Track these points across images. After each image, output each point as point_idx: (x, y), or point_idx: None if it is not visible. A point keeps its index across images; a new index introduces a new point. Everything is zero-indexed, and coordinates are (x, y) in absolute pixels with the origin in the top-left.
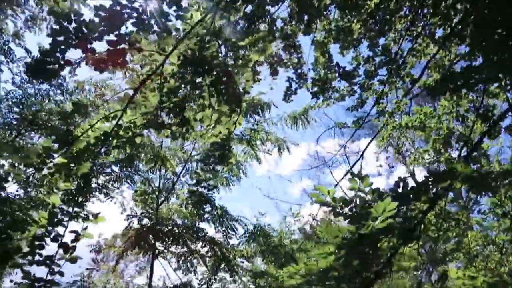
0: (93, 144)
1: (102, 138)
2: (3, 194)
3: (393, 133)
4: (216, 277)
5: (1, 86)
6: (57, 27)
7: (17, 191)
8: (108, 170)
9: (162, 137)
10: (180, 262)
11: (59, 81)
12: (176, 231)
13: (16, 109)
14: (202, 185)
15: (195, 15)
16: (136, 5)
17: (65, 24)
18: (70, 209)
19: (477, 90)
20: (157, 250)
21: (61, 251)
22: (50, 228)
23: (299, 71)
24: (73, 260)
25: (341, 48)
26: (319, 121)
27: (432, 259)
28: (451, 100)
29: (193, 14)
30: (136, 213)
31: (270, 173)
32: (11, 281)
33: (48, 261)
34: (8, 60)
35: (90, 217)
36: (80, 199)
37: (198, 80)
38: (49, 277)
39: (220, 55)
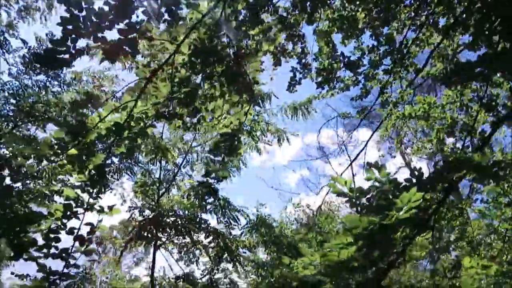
0: (104, 135)
1: (114, 129)
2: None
3: (396, 123)
4: (218, 267)
5: None
6: (68, 15)
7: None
8: (108, 161)
9: (174, 128)
10: (182, 253)
11: (56, 72)
12: (179, 222)
13: (12, 101)
14: (212, 176)
15: (203, 4)
16: None
17: (76, 12)
18: (84, 202)
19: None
20: (159, 241)
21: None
22: (65, 220)
23: (303, 61)
24: (89, 253)
25: (344, 38)
26: (317, 111)
27: (436, 248)
28: (455, 89)
29: (200, 4)
30: (137, 204)
31: (266, 163)
32: (12, 273)
33: (64, 254)
34: (4, 50)
35: (105, 209)
36: (94, 191)
37: (209, 69)
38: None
39: (230, 44)
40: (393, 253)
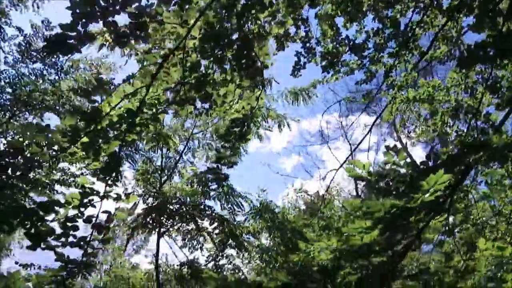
0: (116, 122)
1: (126, 115)
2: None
3: (399, 107)
4: (223, 253)
5: None
6: None
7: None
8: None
9: (185, 113)
10: (186, 240)
11: (53, 60)
12: (184, 208)
13: (9, 90)
14: (222, 162)
15: None
16: None
17: None
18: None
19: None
20: (163, 228)
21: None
22: (82, 209)
23: (307, 45)
24: (107, 241)
25: (345, 21)
26: (317, 96)
27: (444, 231)
28: (460, 72)
29: None
30: (139, 192)
31: (261, 149)
32: (16, 262)
33: (82, 243)
34: None
35: (122, 196)
36: (110, 179)
37: (219, 54)
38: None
39: (239, 28)
40: (410, 236)
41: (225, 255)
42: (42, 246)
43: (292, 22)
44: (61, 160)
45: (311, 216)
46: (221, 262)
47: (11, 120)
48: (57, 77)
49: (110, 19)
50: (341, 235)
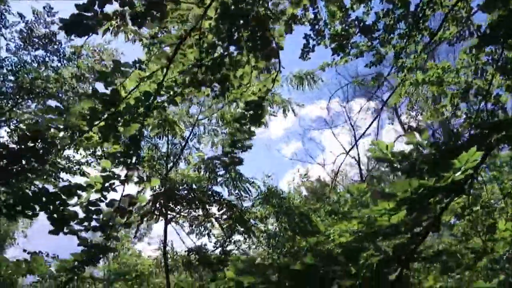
0: (133, 105)
1: (143, 98)
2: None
3: (407, 90)
4: (231, 239)
5: None
6: None
7: None
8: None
9: (202, 95)
10: (194, 226)
11: (55, 46)
12: (192, 194)
13: (11, 77)
14: (237, 145)
15: None
16: None
17: None
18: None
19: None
20: (171, 215)
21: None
22: (105, 193)
23: (316, 27)
24: (129, 225)
25: (353, 3)
26: (323, 81)
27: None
28: (470, 53)
29: None
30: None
31: (261, 134)
32: (24, 250)
33: (105, 227)
34: (1, 25)
35: (144, 179)
36: (130, 162)
37: (235, 35)
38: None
39: (255, 8)
40: (430, 218)
41: (233, 240)
42: (65, 230)
43: (307, 1)
44: (75, 145)
45: (317, 201)
46: (228, 248)
47: (14, 109)
48: (59, 64)
49: None
50: (361, 218)
